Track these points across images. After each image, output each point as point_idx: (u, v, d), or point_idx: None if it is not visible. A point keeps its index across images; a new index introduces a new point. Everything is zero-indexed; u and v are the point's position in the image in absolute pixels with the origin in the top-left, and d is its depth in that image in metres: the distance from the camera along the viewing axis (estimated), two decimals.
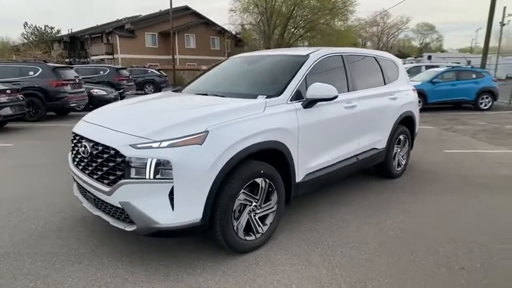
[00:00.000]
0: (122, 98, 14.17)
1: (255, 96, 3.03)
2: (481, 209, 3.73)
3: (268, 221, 2.89)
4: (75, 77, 11.03)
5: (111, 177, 2.43)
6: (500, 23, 27.76)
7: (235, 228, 2.62)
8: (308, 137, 3.10)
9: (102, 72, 15.37)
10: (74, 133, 2.97)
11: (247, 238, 2.74)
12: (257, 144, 2.64)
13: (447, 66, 14.00)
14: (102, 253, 2.76)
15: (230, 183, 2.49)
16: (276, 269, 2.56)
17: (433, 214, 3.57)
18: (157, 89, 21.67)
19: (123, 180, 2.34)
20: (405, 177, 4.84)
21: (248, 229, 2.75)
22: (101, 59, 33.56)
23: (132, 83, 16.66)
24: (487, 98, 12.33)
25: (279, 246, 2.89)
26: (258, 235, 2.81)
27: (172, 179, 2.28)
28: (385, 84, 4.41)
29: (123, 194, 2.36)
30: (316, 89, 3.05)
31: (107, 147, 2.45)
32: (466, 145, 7.00)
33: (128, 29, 34.87)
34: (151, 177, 2.29)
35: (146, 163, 2.29)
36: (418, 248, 2.88)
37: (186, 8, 38.27)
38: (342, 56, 3.80)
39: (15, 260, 2.65)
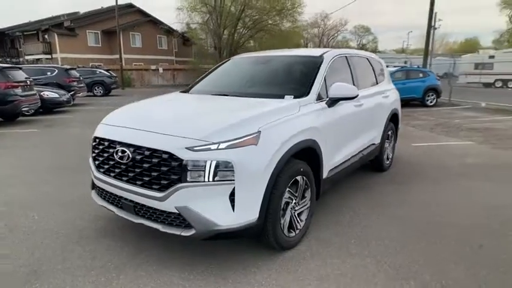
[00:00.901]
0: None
1: (282, 97, 3.11)
2: (468, 195, 4.18)
3: (304, 217, 2.99)
4: (26, 78, 10.06)
5: (164, 182, 2.35)
6: (433, 26, 30.56)
7: (281, 225, 2.68)
8: (330, 134, 3.25)
9: (49, 73, 14.21)
10: (98, 138, 2.79)
11: (290, 235, 2.81)
12: (299, 142, 2.72)
13: (394, 67, 15.18)
14: (143, 262, 2.64)
15: (279, 182, 2.54)
16: (324, 262, 2.67)
17: (432, 203, 3.92)
18: (107, 90, 20.54)
19: (180, 184, 2.28)
20: (392, 170, 5.23)
21: (289, 226, 2.82)
22: (36, 59, 30.86)
23: (83, 85, 15.61)
24: (432, 95, 13.64)
25: (316, 240, 3.00)
26: (297, 231, 2.89)
27: (233, 180, 2.27)
28: (377, 83, 4.74)
29: (180, 198, 2.30)
30: (339, 89, 3.21)
31: (157, 151, 2.36)
32: (429, 139, 7.72)
33: (67, 26, 32.41)
34: (211, 179, 2.27)
35: (205, 165, 2.26)
36: (436, 233, 3.17)
37: (130, 6, 36.63)
38: (346, 56, 4.02)
39: (52, 277, 2.43)
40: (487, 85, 26.74)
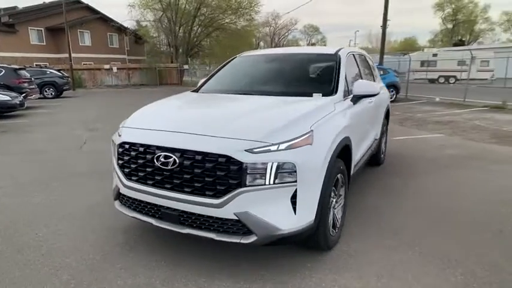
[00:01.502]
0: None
1: (310, 95, 3.08)
2: (464, 184, 4.47)
3: (340, 215, 2.99)
4: None
5: (220, 188, 2.21)
6: (381, 26, 32.32)
7: (329, 225, 2.65)
8: (356, 131, 3.28)
9: None
10: (128, 143, 2.55)
11: (332, 234, 2.79)
12: (341, 141, 2.71)
13: None
14: (188, 273, 2.47)
15: (329, 182, 2.51)
16: (371, 257, 2.69)
17: (433, 192, 4.13)
18: (59, 92, 19.06)
19: (240, 189, 2.16)
20: (385, 163, 5.43)
21: (332, 225, 2.80)
22: None
23: (34, 86, 14.38)
24: (392, 91, 14.40)
25: (351, 236, 3.01)
26: (337, 230, 2.88)
27: (295, 181, 2.20)
28: (374, 80, 4.88)
29: (240, 204, 2.18)
30: (362, 86, 3.26)
31: (212, 154, 2.20)
32: (405, 132, 8.14)
33: (5, 22, 29.55)
34: (272, 182, 2.17)
35: (266, 168, 2.16)
36: (452, 220, 3.34)
37: (78, 1, 34.28)
38: (353, 54, 4.08)
39: None
40: (432, 81, 28.97)
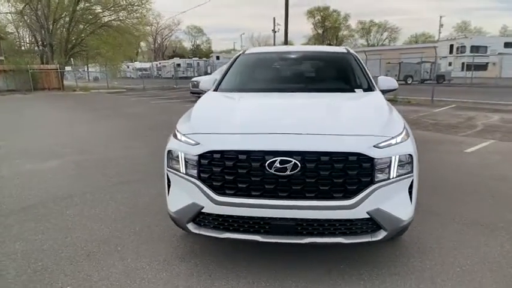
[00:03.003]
0: None
1: (353, 90, 3.19)
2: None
3: None
4: None
5: (351, 188, 2.11)
6: (272, 30, 34.69)
7: None
8: None
9: None
10: (220, 151, 2.19)
11: None
12: None
13: None
14: (263, 278, 2.30)
15: None
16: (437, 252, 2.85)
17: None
18: None
19: (373, 186, 2.12)
20: None
21: None
22: None
23: None
24: None
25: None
26: None
27: (411, 172, 2.27)
28: None
29: (372, 201, 2.14)
30: (386, 81, 3.51)
31: (340, 153, 2.09)
32: None
33: None
34: (395, 175, 2.20)
35: (391, 161, 2.17)
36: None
37: None
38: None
39: None
40: None
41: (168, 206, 2.49)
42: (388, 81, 3.53)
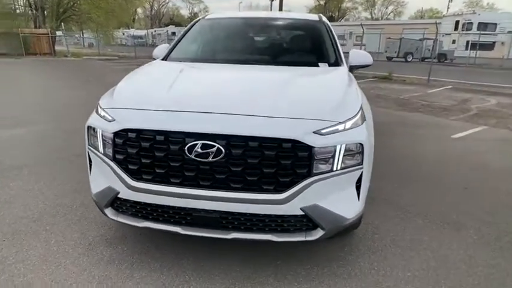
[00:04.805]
0: None
1: (316, 65, 2.81)
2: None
3: None
4: None
5: (283, 180, 1.80)
6: None
7: None
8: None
9: None
10: (135, 130, 1.86)
11: None
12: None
13: None
14: (188, 271, 2.01)
15: None
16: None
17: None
18: None
19: (310, 179, 1.80)
20: None
21: None
22: None
23: None
24: None
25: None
26: None
27: (361, 164, 1.94)
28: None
29: (308, 196, 1.82)
30: (358, 56, 3.11)
31: (272, 139, 1.76)
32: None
33: None
34: (340, 167, 1.87)
35: (335, 151, 1.84)
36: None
37: None
38: None
39: None
40: None
41: (90, 187, 2.21)
42: (361, 56, 3.12)
